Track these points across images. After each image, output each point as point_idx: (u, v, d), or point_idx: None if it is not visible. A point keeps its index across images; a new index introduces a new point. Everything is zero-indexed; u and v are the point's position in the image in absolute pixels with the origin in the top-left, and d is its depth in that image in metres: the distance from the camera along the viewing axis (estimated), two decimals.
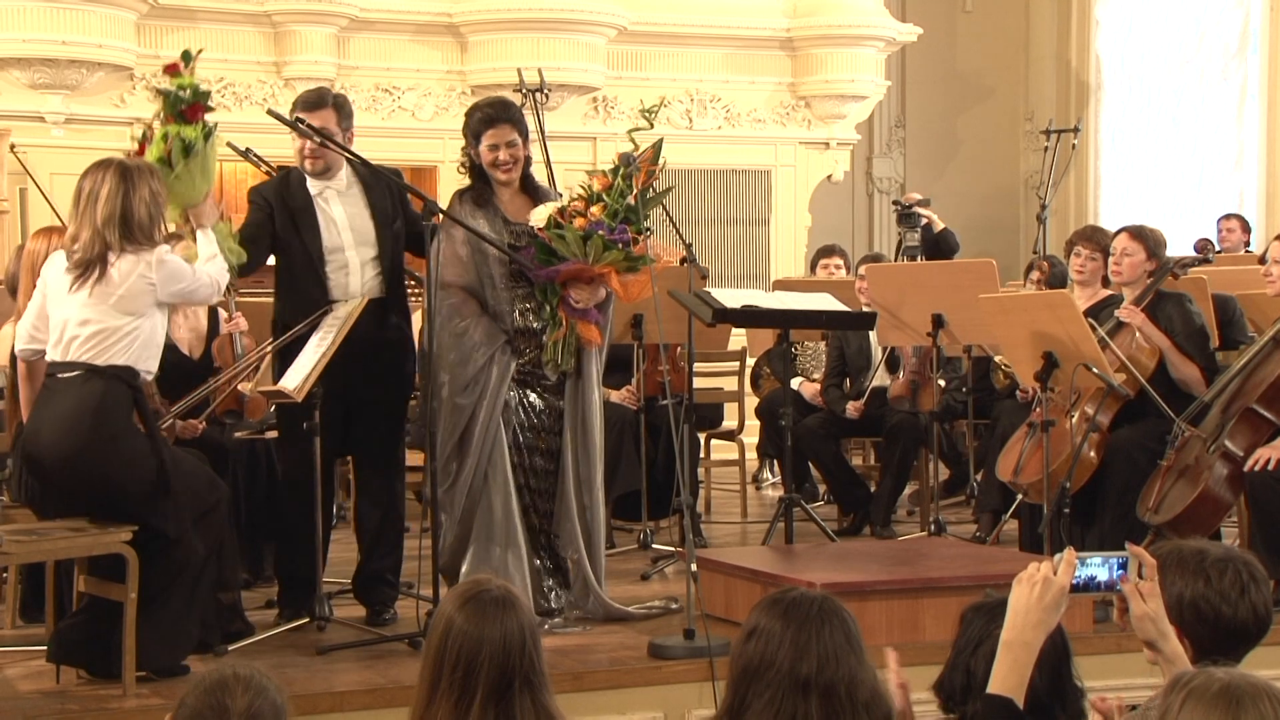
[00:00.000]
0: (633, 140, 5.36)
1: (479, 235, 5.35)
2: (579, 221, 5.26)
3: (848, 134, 11.62)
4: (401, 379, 5.62)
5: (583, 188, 5.43)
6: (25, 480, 5.09)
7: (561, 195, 5.60)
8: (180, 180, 4.93)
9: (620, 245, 5.22)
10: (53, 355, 4.74)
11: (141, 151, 4.99)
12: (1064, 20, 13.30)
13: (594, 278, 5.31)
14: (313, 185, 5.48)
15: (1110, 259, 6.31)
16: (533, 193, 5.51)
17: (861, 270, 7.63)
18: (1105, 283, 6.57)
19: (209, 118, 5.09)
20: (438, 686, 2.83)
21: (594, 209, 5.28)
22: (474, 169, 5.48)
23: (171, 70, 5.07)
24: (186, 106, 5.01)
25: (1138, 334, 6.04)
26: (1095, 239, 6.62)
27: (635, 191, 5.29)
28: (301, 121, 5.31)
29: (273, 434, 5.96)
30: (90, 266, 4.66)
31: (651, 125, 5.35)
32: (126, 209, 4.67)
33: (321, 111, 5.40)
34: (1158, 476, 5.82)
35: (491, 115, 5.43)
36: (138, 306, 4.68)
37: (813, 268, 9.19)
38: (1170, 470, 5.78)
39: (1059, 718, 2.92)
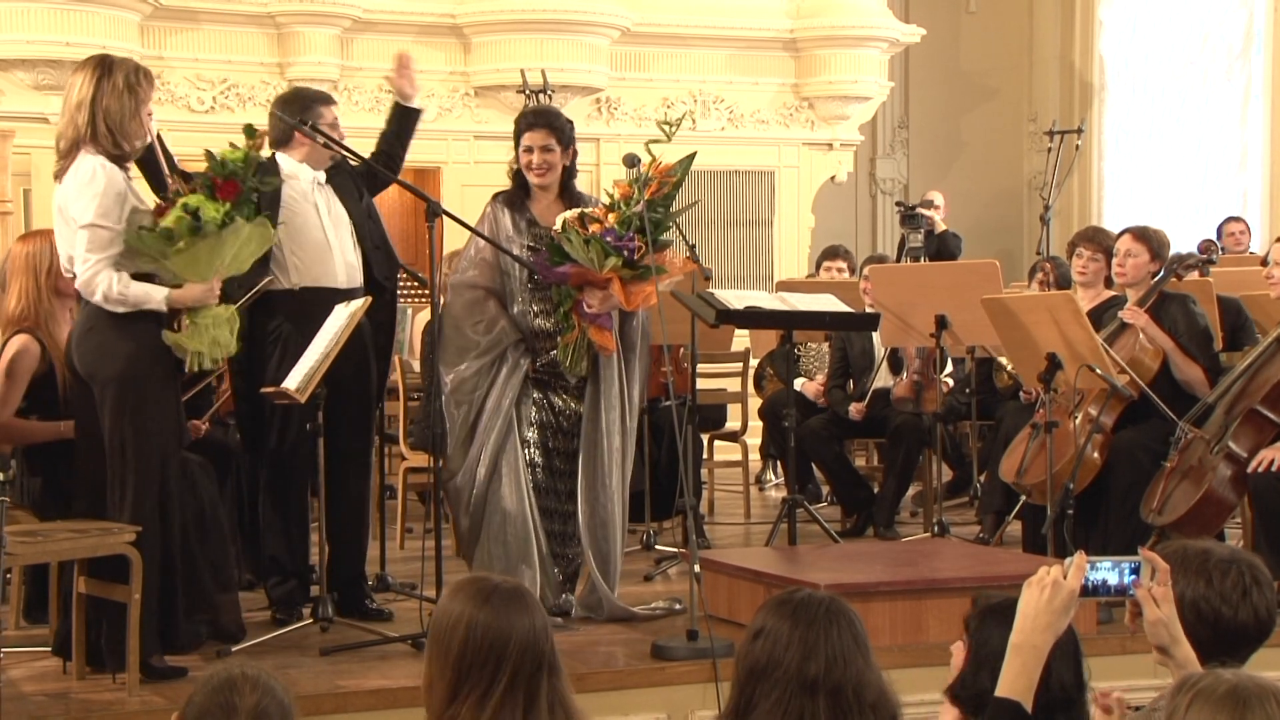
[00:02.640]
0: (650, 152, 5.40)
1: (481, 236, 5.43)
2: (595, 227, 5.31)
3: (851, 135, 11.62)
4: (368, 372, 5.63)
5: (608, 194, 5.53)
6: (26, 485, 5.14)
7: (598, 202, 5.67)
8: (181, 255, 4.68)
9: (623, 252, 5.25)
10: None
11: (163, 212, 4.73)
12: (1068, 21, 13.29)
13: (604, 283, 5.34)
14: (305, 175, 5.54)
15: (1114, 260, 6.31)
16: (571, 200, 5.59)
17: (866, 271, 7.63)
18: (1108, 284, 6.57)
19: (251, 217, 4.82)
20: (462, 684, 2.78)
21: (610, 216, 5.34)
22: (516, 173, 5.61)
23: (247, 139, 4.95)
24: (220, 179, 4.78)
25: (1141, 335, 6.04)
26: (1097, 240, 6.62)
27: (642, 201, 5.31)
28: (304, 123, 5.38)
29: None
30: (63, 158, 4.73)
31: (669, 138, 5.35)
32: (96, 100, 4.67)
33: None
34: (1161, 478, 5.81)
35: (531, 120, 5.62)
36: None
37: (817, 269, 9.19)
38: (1174, 471, 5.78)
39: (1074, 713, 2.91)
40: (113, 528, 4.63)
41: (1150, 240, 6.26)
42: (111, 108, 4.69)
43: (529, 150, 5.52)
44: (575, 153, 5.64)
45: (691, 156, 5.50)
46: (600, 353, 5.47)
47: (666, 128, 5.38)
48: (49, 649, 4.99)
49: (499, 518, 5.39)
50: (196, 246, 4.68)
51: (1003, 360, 7.40)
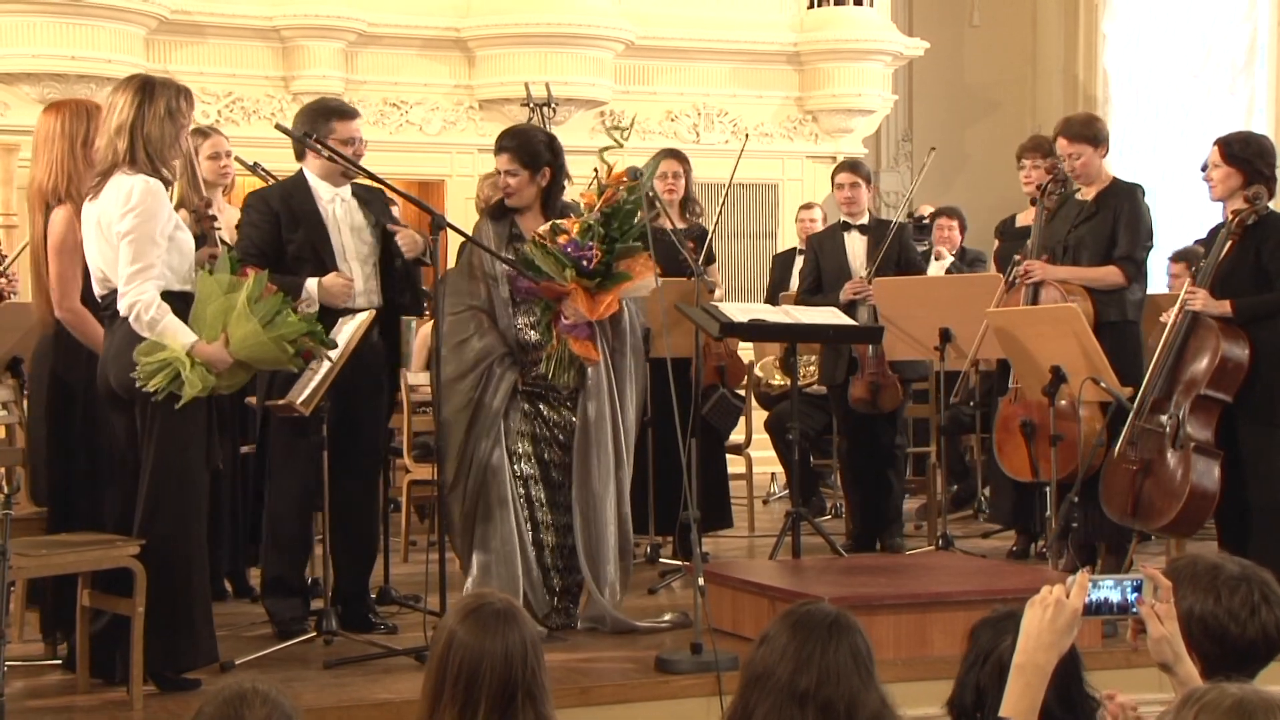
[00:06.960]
0: (603, 160, 5.48)
1: (475, 242, 5.47)
2: (563, 238, 5.34)
3: (855, 148, 11.64)
4: (378, 391, 5.65)
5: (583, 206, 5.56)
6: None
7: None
8: (273, 337, 4.67)
9: (581, 262, 5.27)
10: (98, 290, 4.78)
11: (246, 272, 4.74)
12: (1071, 34, 13.31)
13: (568, 294, 5.35)
14: (324, 190, 5.54)
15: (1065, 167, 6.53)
16: (554, 216, 5.58)
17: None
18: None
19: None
20: (440, 700, 2.84)
21: (574, 227, 5.36)
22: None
23: None
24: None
25: (1057, 289, 6.24)
26: (1041, 148, 6.92)
27: (598, 209, 5.38)
28: (309, 136, 5.37)
29: None
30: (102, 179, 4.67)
31: (621, 145, 5.41)
32: (136, 126, 4.64)
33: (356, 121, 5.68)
34: (1126, 478, 5.84)
35: (499, 143, 5.65)
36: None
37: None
38: (1138, 472, 5.82)
39: None
40: (116, 540, 4.63)
41: (1086, 137, 6.46)
42: (153, 134, 4.66)
43: (497, 173, 5.62)
44: (554, 171, 5.60)
45: (656, 160, 5.54)
46: (586, 363, 5.48)
47: (616, 134, 5.46)
48: (57, 661, 4.99)
49: (486, 532, 5.38)
50: (261, 339, 4.64)
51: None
